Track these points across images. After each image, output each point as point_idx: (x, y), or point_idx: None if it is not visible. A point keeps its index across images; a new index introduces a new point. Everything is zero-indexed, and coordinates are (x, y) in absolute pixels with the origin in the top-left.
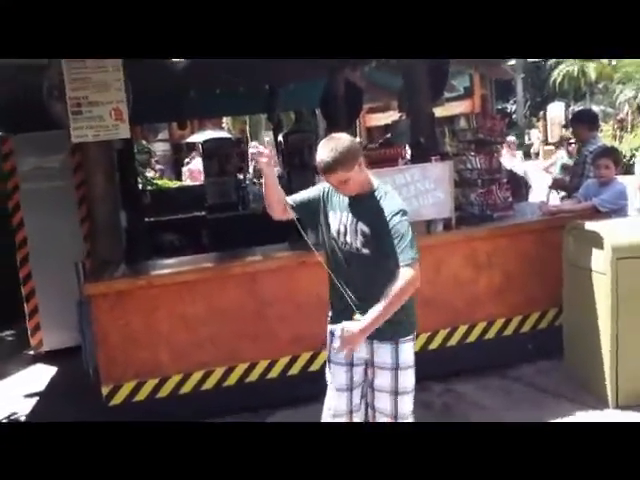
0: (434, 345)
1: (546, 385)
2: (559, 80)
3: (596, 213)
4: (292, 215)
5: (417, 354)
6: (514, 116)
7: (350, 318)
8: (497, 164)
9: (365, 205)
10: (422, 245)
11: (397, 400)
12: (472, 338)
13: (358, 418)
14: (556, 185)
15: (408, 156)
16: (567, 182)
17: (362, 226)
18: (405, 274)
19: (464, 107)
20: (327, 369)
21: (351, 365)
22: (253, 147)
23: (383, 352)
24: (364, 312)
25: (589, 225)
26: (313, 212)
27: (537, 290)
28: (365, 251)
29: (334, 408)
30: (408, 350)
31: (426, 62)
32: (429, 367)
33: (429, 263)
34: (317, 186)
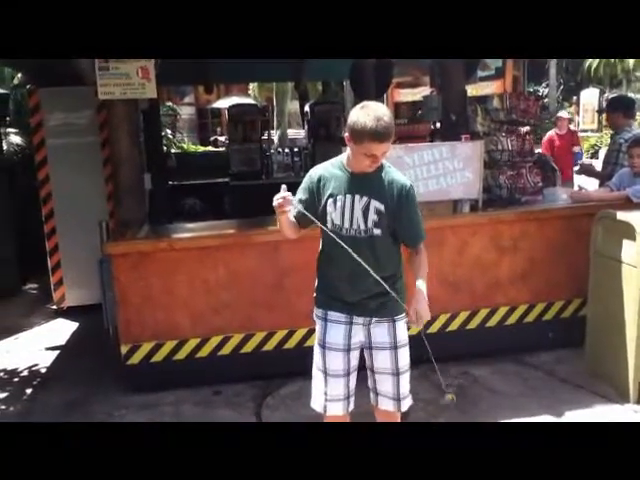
0: (453, 327)
1: (565, 374)
2: (594, 66)
3: (628, 203)
4: (305, 229)
5: (435, 334)
6: (546, 100)
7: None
8: (529, 147)
9: (375, 182)
10: (447, 225)
11: (399, 380)
12: (492, 322)
13: (353, 403)
14: (582, 170)
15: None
16: (594, 168)
17: (376, 203)
18: (423, 249)
19: (495, 87)
20: (317, 353)
21: (348, 350)
22: (279, 198)
23: (380, 331)
24: (375, 296)
25: (621, 215)
26: (315, 210)
27: (562, 278)
28: (376, 232)
29: (330, 394)
30: (403, 327)
31: None
32: (447, 349)
33: (453, 244)
34: (304, 185)
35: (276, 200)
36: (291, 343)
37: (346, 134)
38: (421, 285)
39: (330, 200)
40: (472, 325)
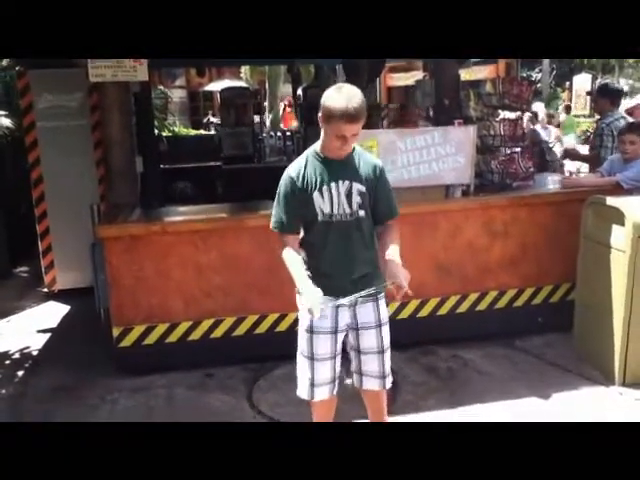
0: (443, 311)
1: (553, 358)
2: None
3: (618, 189)
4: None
5: (425, 318)
6: (539, 85)
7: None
8: (521, 132)
9: (351, 165)
10: (439, 210)
11: (384, 358)
12: (482, 306)
13: (337, 385)
14: (568, 154)
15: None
16: (578, 151)
17: (357, 186)
18: (397, 226)
19: (488, 72)
20: (304, 339)
21: (335, 332)
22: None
23: (365, 311)
24: (362, 277)
25: (610, 200)
26: (302, 208)
27: (552, 263)
28: (361, 213)
29: (316, 379)
30: (384, 306)
31: None
32: (436, 332)
33: (445, 228)
34: (285, 190)
35: (307, 310)
36: (283, 326)
37: (320, 114)
38: (395, 256)
39: (316, 192)
40: (462, 309)
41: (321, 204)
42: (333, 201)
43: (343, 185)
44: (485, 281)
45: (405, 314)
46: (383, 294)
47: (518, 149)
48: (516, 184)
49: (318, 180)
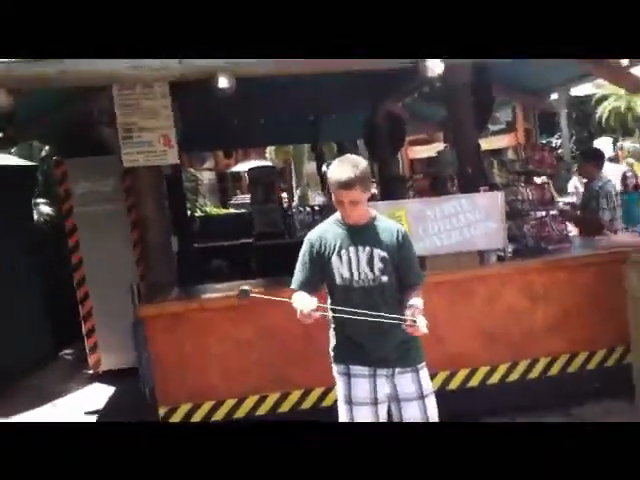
0: (494, 380)
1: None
2: (605, 116)
3: None
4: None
5: (475, 389)
6: (560, 151)
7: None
8: (549, 195)
9: (372, 232)
10: (475, 276)
11: None
12: (535, 374)
13: None
14: (565, 216)
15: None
16: (575, 214)
17: (379, 252)
18: (420, 291)
19: (507, 141)
20: (343, 412)
21: (375, 403)
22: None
23: (405, 382)
24: (397, 346)
25: None
26: (320, 272)
27: (601, 326)
28: (384, 279)
29: None
30: (427, 376)
31: (470, 90)
32: (488, 402)
33: (482, 294)
34: (305, 252)
35: (302, 316)
36: (329, 400)
37: None
38: (417, 302)
39: (335, 256)
40: (512, 378)
41: (339, 267)
42: (352, 266)
43: (364, 251)
44: (532, 347)
45: (454, 385)
46: (424, 364)
47: (548, 213)
48: (552, 247)
49: (337, 245)
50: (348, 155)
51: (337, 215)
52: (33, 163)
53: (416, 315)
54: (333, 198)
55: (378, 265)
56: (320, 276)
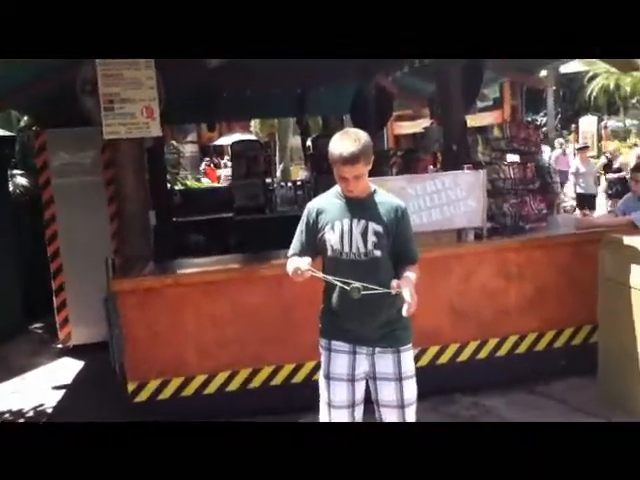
0: (463, 357)
1: (578, 403)
2: (594, 94)
3: (634, 229)
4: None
5: (445, 365)
6: (544, 128)
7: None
8: (531, 174)
9: (370, 205)
10: (452, 254)
11: (404, 413)
12: (503, 352)
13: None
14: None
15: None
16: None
17: (374, 226)
18: (416, 269)
19: (494, 117)
20: (322, 385)
21: (352, 380)
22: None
23: (384, 362)
24: (381, 325)
25: (628, 240)
26: (319, 242)
27: (571, 305)
28: (377, 253)
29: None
30: (409, 359)
31: (460, 67)
32: (457, 379)
33: (458, 273)
34: (303, 221)
35: (295, 274)
36: (299, 377)
37: None
38: (409, 276)
39: (328, 227)
40: (482, 355)
41: (331, 238)
42: (344, 238)
43: (359, 224)
44: (504, 326)
45: (424, 361)
46: (409, 347)
47: (530, 192)
48: (529, 226)
49: (332, 216)
50: (349, 129)
51: (337, 186)
52: (11, 133)
53: (403, 284)
54: (335, 172)
55: (372, 239)
56: (315, 245)
